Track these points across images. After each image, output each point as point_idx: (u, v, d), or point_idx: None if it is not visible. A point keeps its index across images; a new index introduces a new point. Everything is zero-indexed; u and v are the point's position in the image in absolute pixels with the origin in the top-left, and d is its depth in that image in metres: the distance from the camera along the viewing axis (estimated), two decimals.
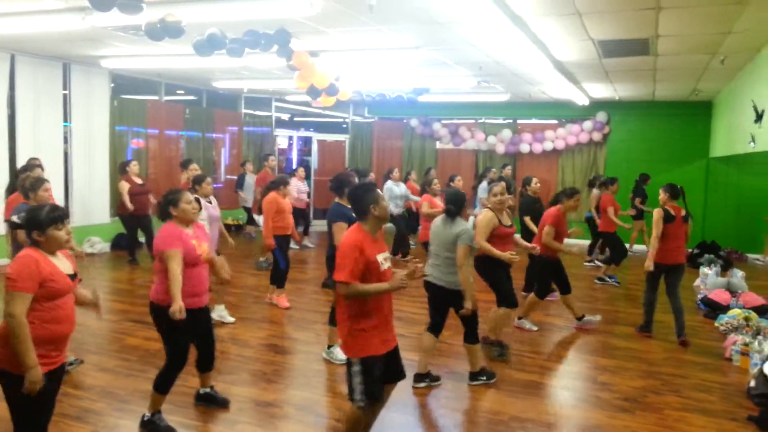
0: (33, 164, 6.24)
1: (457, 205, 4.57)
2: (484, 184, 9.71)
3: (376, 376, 3.30)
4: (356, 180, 5.46)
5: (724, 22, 5.49)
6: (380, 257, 3.30)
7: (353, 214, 5.21)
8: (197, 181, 5.83)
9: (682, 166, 11.76)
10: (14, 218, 3.01)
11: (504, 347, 5.44)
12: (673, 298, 5.98)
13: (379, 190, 3.41)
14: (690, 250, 11.00)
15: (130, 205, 8.70)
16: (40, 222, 2.82)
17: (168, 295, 3.65)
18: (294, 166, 13.50)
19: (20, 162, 8.09)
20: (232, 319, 6.21)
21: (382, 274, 3.28)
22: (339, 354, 5.09)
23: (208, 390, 4.24)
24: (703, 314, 7.09)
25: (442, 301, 4.63)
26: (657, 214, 5.97)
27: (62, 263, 2.91)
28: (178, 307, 3.61)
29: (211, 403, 4.22)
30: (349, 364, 3.31)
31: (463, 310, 4.46)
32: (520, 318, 6.34)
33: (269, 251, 6.73)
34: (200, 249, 3.83)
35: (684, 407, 4.49)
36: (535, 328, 6.33)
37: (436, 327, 4.72)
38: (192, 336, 3.90)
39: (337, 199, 5.05)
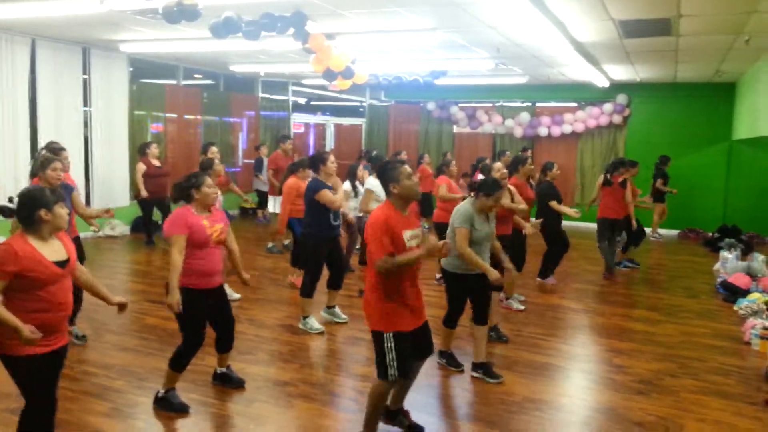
0: (55, 148, 6.20)
1: (480, 187, 4.44)
2: (498, 165, 9.62)
3: (408, 350, 3.35)
4: (329, 156, 5.59)
5: (749, 0, 5.36)
6: (407, 234, 3.33)
7: (324, 188, 5.40)
8: (208, 165, 5.79)
9: (703, 149, 11.57)
10: (8, 204, 2.94)
11: (497, 329, 5.40)
12: (611, 244, 7.76)
13: (405, 168, 3.39)
14: (711, 234, 10.87)
15: (144, 191, 8.79)
16: (48, 200, 2.81)
17: (183, 278, 3.69)
18: (311, 152, 13.53)
19: (42, 146, 8.22)
20: (237, 296, 6.31)
21: (408, 252, 3.31)
22: (314, 324, 5.46)
23: (224, 370, 4.30)
24: (722, 298, 7.01)
25: (447, 283, 4.63)
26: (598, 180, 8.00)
27: (53, 248, 2.87)
28: (174, 300, 3.63)
29: (227, 382, 4.28)
30: (381, 339, 3.33)
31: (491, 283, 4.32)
32: (507, 299, 6.31)
33: (279, 236, 6.71)
34: (211, 229, 3.79)
35: (701, 390, 4.47)
36: (522, 307, 6.31)
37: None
38: (208, 316, 3.94)
39: (314, 175, 5.57)
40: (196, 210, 3.80)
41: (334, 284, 5.68)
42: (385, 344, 3.30)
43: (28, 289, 2.74)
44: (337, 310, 5.78)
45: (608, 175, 7.86)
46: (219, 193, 5.65)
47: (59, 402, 3.05)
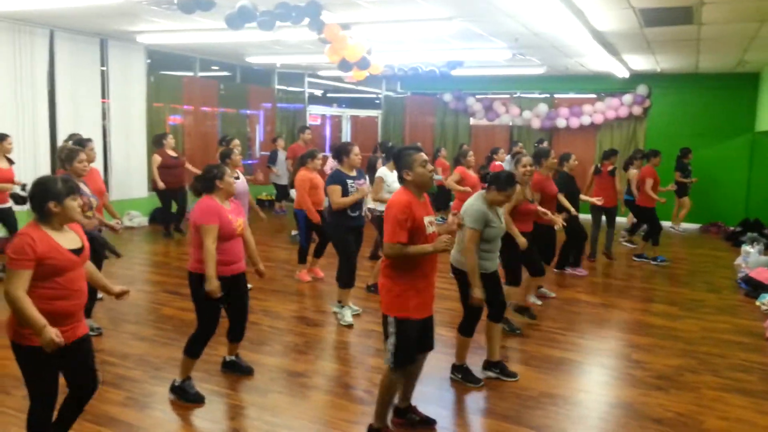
0: (83, 140, 6.16)
1: (492, 181, 4.23)
2: (507, 158, 9.53)
3: (412, 339, 3.32)
4: (353, 148, 5.57)
5: None
6: (426, 220, 3.33)
7: (347, 179, 5.37)
8: (226, 154, 5.84)
9: (725, 141, 11.34)
10: (20, 191, 2.95)
11: (509, 322, 5.31)
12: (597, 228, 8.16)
13: (420, 155, 3.35)
14: (732, 228, 10.68)
15: (160, 183, 8.84)
16: (58, 192, 2.78)
17: (203, 264, 3.72)
18: (327, 144, 13.52)
19: (60, 137, 8.30)
20: (249, 285, 6.25)
21: (428, 238, 3.30)
22: (347, 315, 5.46)
23: (233, 358, 4.33)
24: (743, 293, 6.88)
25: (462, 285, 4.27)
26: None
27: (67, 238, 2.86)
28: (213, 287, 3.68)
29: (235, 370, 4.31)
30: (386, 322, 3.34)
31: (470, 299, 4.02)
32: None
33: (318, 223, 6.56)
34: (236, 223, 3.89)
35: (722, 387, 4.38)
36: (540, 303, 6.22)
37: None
38: (226, 303, 3.96)
39: (337, 166, 5.54)
40: (219, 200, 3.86)
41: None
42: (389, 327, 3.31)
43: (46, 277, 2.73)
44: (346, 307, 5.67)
45: (598, 164, 8.35)
46: (242, 177, 5.67)
47: (78, 391, 3.04)
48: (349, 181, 5.42)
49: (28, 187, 2.87)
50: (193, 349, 3.88)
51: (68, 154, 4.60)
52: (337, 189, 5.36)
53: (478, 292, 3.94)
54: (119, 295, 3.26)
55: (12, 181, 6.43)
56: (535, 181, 5.78)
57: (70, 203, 2.82)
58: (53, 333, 2.62)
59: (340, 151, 5.55)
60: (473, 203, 4.19)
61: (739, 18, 6.46)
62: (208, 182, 3.87)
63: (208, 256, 3.70)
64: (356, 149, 5.54)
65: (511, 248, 4.96)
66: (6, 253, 2.71)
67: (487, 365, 4.45)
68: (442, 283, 5.04)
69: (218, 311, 3.91)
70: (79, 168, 4.55)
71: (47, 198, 2.77)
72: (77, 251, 2.86)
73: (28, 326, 2.67)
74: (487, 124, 13.52)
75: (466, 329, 4.26)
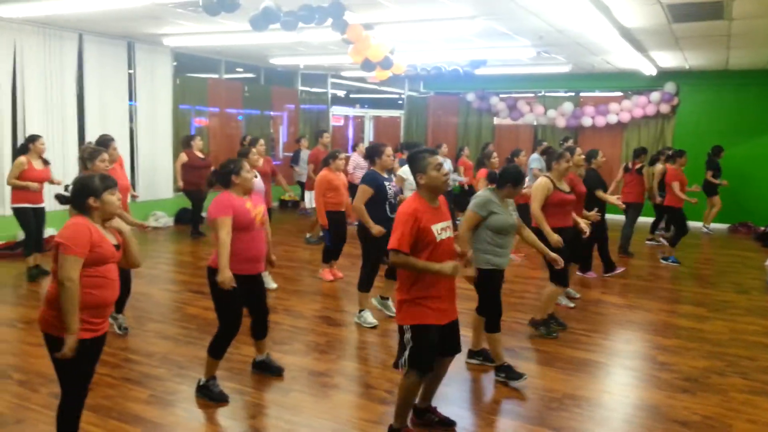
0: (106, 139, 6.25)
1: (501, 177, 4.23)
2: (535, 155, 9.44)
3: (428, 346, 3.27)
4: (386, 149, 5.53)
5: None
6: (437, 227, 3.24)
7: (383, 181, 5.31)
8: (244, 154, 5.89)
9: (756, 139, 11.09)
10: (64, 193, 3.07)
11: (550, 324, 5.27)
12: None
13: (434, 159, 3.29)
14: (762, 228, 10.43)
15: (181, 182, 8.96)
16: (95, 188, 2.89)
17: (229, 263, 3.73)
18: (350, 144, 13.55)
19: (89, 139, 8.45)
20: (274, 285, 6.41)
21: (439, 245, 3.22)
22: (369, 318, 5.40)
23: (263, 357, 4.34)
24: None
25: (481, 283, 4.23)
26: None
27: (107, 233, 2.97)
28: (225, 277, 3.67)
29: (266, 370, 4.32)
30: (401, 331, 3.32)
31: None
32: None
33: (317, 228, 6.72)
34: (255, 211, 3.87)
35: (751, 390, 4.28)
36: (572, 305, 6.15)
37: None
38: (246, 303, 3.98)
39: (371, 167, 5.53)
40: (236, 195, 3.86)
41: (393, 274, 5.61)
42: (405, 335, 3.28)
43: (91, 264, 2.82)
44: (390, 303, 5.65)
45: (629, 163, 8.61)
46: (259, 177, 5.66)
47: (101, 388, 3.12)
48: (386, 183, 5.38)
49: (71, 188, 2.99)
50: (217, 350, 3.91)
51: (91, 153, 4.69)
52: (367, 190, 5.29)
53: (470, 271, 3.84)
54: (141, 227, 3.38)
55: (50, 181, 6.62)
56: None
57: (109, 197, 2.92)
58: (76, 344, 2.76)
59: (373, 152, 5.54)
60: (480, 192, 4.27)
61: None
62: (224, 177, 3.88)
63: (222, 247, 3.69)
64: (389, 150, 5.51)
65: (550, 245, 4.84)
66: (58, 241, 2.79)
67: (471, 354, 4.59)
68: (463, 282, 5.05)
69: (239, 310, 3.91)
70: (101, 167, 4.61)
71: (86, 194, 2.88)
72: (116, 246, 2.99)
73: (64, 319, 2.74)
74: (511, 124, 13.42)
75: (491, 326, 4.27)
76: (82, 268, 2.79)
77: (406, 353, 3.27)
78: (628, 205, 8.07)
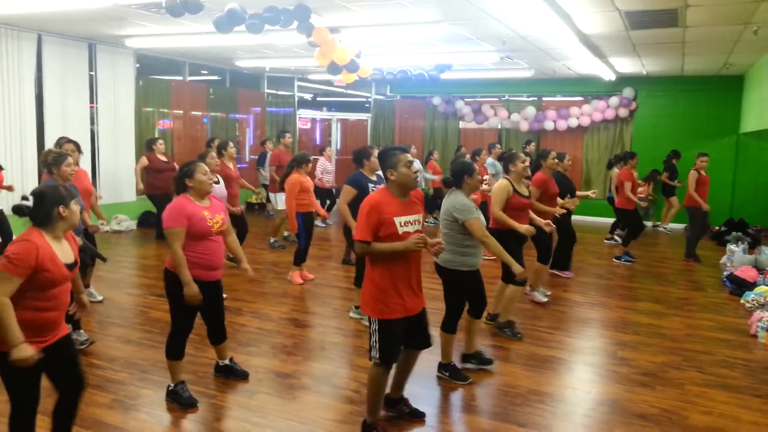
0: (61, 141, 6.17)
1: (454, 176, 4.23)
2: (490, 159, 9.57)
3: (394, 338, 3.35)
4: (373, 151, 5.56)
5: None
6: (401, 219, 3.27)
7: (368, 183, 5.36)
8: (202, 156, 5.86)
9: (711, 142, 11.46)
10: (26, 203, 2.82)
11: (512, 325, 5.35)
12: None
13: (405, 156, 3.34)
14: (717, 228, 10.78)
15: (141, 185, 8.82)
16: (64, 197, 2.80)
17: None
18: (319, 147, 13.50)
19: (48, 142, 8.26)
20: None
21: (401, 237, 3.26)
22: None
23: (227, 362, 4.30)
24: (728, 291, 6.96)
25: (445, 282, 4.31)
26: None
27: (64, 250, 2.84)
28: (191, 293, 3.61)
29: (230, 374, 4.28)
30: (369, 322, 3.40)
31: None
32: (531, 290, 6.36)
33: (281, 231, 6.68)
34: (212, 221, 3.77)
35: (706, 383, 4.44)
36: (545, 299, 6.31)
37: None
38: (199, 309, 3.88)
39: (359, 170, 5.54)
40: (194, 199, 3.78)
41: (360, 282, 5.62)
42: (371, 326, 3.36)
43: (38, 288, 2.69)
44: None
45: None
46: (221, 180, 5.59)
47: (65, 394, 3.02)
48: (370, 185, 5.39)
49: (31, 198, 2.81)
50: (172, 350, 3.85)
51: (55, 158, 4.58)
52: (350, 191, 5.36)
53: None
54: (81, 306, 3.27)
55: (1, 186, 6.42)
56: (539, 180, 6.07)
57: (75, 207, 2.85)
58: (31, 352, 2.61)
59: (361, 155, 5.56)
60: (455, 199, 4.16)
61: (723, 21, 6.56)
62: (178, 180, 3.79)
63: (178, 261, 3.60)
64: (376, 152, 5.49)
65: (510, 246, 4.78)
66: (5, 254, 2.64)
67: (465, 358, 4.58)
68: (431, 283, 5.11)
69: (193, 311, 3.84)
70: (66, 171, 4.54)
71: (56, 203, 2.78)
72: (70, 266, 2.85)
73: (3, 337, 2.59)
74: (476, 127, 13.61)
75: (449, 326, 4.33)
76: (30, 291, 2.66)
77: (376, 345, 3.34)
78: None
